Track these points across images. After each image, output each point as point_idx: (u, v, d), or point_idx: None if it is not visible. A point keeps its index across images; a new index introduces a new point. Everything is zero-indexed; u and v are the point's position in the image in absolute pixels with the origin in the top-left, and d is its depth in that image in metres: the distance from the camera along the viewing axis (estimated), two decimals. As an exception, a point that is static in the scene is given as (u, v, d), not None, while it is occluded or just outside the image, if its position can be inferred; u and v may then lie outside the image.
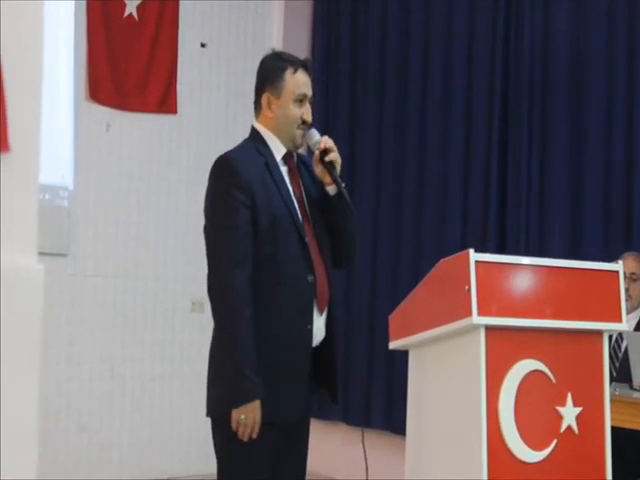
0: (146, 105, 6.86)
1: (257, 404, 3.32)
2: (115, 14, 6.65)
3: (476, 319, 3.11)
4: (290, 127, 3.57)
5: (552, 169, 6.21)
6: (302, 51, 7.79)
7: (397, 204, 7.10)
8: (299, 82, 3.57)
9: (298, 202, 3.56)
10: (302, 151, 3.77)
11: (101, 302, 6.59)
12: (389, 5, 7.31)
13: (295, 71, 3.58)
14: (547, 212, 6.22)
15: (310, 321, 3.46)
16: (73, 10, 6.34)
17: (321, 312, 3.52)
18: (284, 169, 3.59)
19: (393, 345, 3.65)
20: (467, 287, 3.12)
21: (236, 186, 3.41)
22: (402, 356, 3.77)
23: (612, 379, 4.74)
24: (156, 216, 6.90)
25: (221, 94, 7.24)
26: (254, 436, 3.33)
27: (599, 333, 3.39)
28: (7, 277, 1.72)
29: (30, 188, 1.81)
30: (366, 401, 7.15)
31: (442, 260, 3.36)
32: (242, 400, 3.32)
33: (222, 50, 7.31)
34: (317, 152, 3.58)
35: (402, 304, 3.59)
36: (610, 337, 4.30)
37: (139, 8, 6.76)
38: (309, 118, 3.60)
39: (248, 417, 3.31)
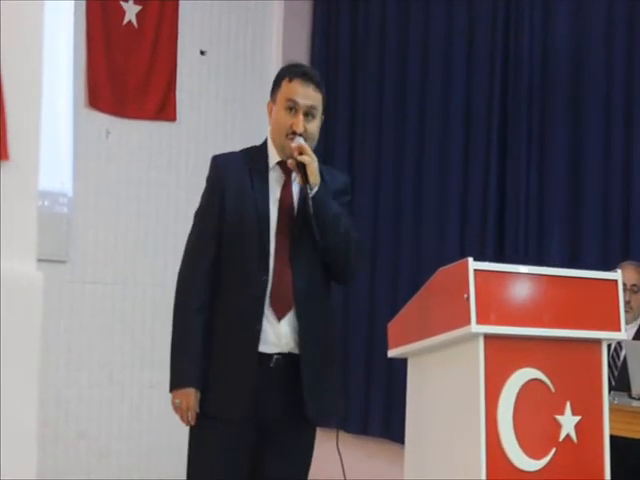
0: (145, 112, 6.86)
1: (191, 391, 3.49)
2: (114, 21, 6.65)
3: (475, 327, 3.11)
4: (280, 135, 3.59)
5: (551, 172, 6.21)
6: (301, 54, 7.80)
7: (396, 210, 7.09)
8: (292, 90, 3.59)
9: (281, 209, 3.56)
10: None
11: (100, 309, 6.58)
12: (388, 6, 7.31)
13: (291, 80, 3.60)
14: (546, 216, 6.22)
15: (258, 322, 3.46)
16: (72, 17, 6.34)
17: (279, 318, 3.50)
18: (279, 176, 3.61)
19: (392, 353, 3.66)
20: (466, 296, 3.12)
21: (210, 184, 3.62)
22: (400, 364, 3.77)
23: (611, 388, 4.74)
24: (155, 222, 6.89)
25: (220, 101, 7.25)
26: (192, 422, 3.50)
27: (598, 342, 3.39)
28: (6, 284, 1.72)
29: (29, 195, 1.81)
30: (365, 409, 7.14)
31: (441, 268, 3.37)
32: (176, 385, 3.54)
33: (221, 57, 7.32)
34: (292, 159, 3.52)
35: (401, 312, 3.59)
36: (609, 346, 4.30)
37: (138, 15, 6.77)
38: (299, 129, 3.56)
39: (182, 402, 3.50)
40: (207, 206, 3.60)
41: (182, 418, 3.52)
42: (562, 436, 3.27)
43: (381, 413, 7.02)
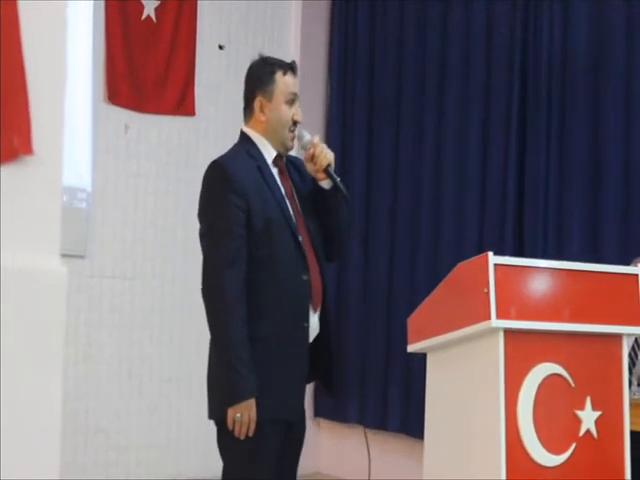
0: (164, 107, 6.87)
1: (251, 402, 3.41)
2: (133, 16, 6.66)
3: (495, 322, 3.11)
4: (282, 129, 3.66)
5: (570, 168, 6.19)
6: (319, 50, 7.81)
7: (414, 206, 7.09)
8: (289, 83, 3.68)
9: (290, 202, 3.64)
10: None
11: (119, 303, 6.60)
12: (406, 4, 7.31)
13: (285, 73, 3.70)
14: (565, 210, 6.20)
15: (307, 319, 3.54)
16: (91, 13, 6.35)
17: (315, 310, 3.59)
18: (274, 171, 3.68)
19: (411, 348, 3.65)
20: (486, 290, 3.12)
21: (231, 190, 3.49)
22: (419, 359, 3.78)
23: (631, 383, 4.72)
24: (174, 217, 6.90)
25: (238, 96, 7.10)
26: (250, 434, 3.41)
27: (618, 336, 3.39)
28: (32, 279, 1.73)
29: (53, 191, 1.82)
30: (383, 404, 7.14)
31: (460, 263, 3.36)
32: (236, 399, 3.41)
33: (240, 52, 7.32)
34: (309, 152, 3.67)
35: (420, 307, 3.59)
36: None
37: (157, 10, 6.78)
38: (299, 118, 3.68)
39: (243, 415, 3.40)
40: (233, 214, 3.48)
41: (240, 432, 3.41)
42: (582, 431, 3.27)
43: (400, 408, 7.02)
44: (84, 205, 6.39)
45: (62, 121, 1.87)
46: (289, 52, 7.51)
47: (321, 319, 3.64)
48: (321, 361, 3.65)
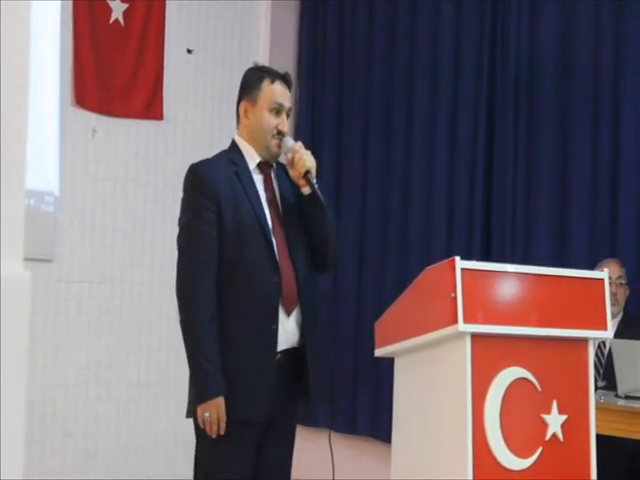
0: (132, 111, 6.84)
1: (220, 400, 3.44)
2: (101, 19, 6.63)
3: (462, 327, 3.12)
4: (264, 136, 3.68)
5: (538, 174, 6.23)
6: (289, 53, 7.80)
7: (383, 210, 7.10)
8: (275, 92, 3.69)
9: (270, 208, 3.65)
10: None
11: (87, 308, 6.56)
12: (375, 7, 7.32)
13: (272, 82, 3.70)
14: (533, 215, 6.23)
15: (275, 321, 3.53)
16: (59, 16, 6.32)
17: (288, 314, 3.57)
18: (258, 177, 3.70)
19: (379, 352, 3.66)
20: (453, 295, 3.12)
21: (202, 193, 3.56)
22: (387, 363, 3.78)
23: (597, 387, 4.75)
24: (142, 221, 6.88)
25: (207, 100, 7.24)
26: (221, 432, 3.45)
27: (584, 341, 3.40)
28: (-7, 284, 1.72)
29: (17, 194, 1.80)
30: (352, 408, 7.14)
31: (428, 267, 3.37)
32: (204, 397, 3.45)
33: (208, 56, 7.31)
34: (289, 155, 3.68)
35: (388, 311, 3.59)
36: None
37: (125, 14, 6.75)
38: (284, 129, 3.70)
39: (212, 413, 3.44)
40: (204, 216, 3.54)
41: (211, 430, 3.45)
42: (548, 435, 3.28)
43: (368, 412, 7.03)
44: (51, 209, 6.35)
45: (26, 124, 1.86)
46: (258, 56, 7.49)
47: (302, 326, 3.62)
48: (299, 367, 3.64)
